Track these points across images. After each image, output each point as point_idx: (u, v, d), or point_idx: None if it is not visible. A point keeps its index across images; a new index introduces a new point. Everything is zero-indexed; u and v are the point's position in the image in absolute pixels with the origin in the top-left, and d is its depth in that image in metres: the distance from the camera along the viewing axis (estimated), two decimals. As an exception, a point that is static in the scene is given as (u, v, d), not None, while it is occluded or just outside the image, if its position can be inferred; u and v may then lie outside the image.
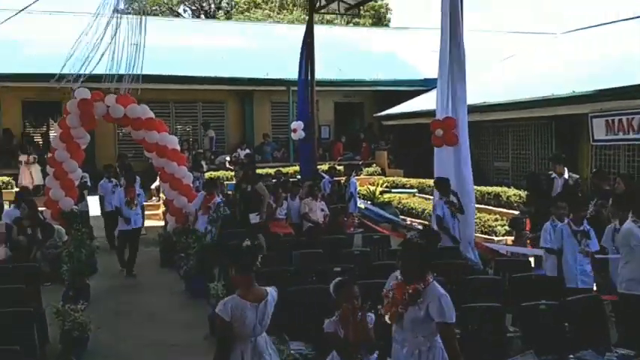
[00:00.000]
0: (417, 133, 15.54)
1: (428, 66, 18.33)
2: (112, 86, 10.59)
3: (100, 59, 10.74)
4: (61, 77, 10.72)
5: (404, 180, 16.95)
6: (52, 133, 16.85)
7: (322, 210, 10.98)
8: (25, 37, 17.41)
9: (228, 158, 18.02)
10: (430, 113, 10.54)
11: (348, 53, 20.82)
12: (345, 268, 6.99)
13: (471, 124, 9.28)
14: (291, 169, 16.51)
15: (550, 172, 10.26)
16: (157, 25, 17.74)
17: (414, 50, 21.22)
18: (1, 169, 15.40)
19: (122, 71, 10.51)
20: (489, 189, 13.46)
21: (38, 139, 18.28)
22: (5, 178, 14.68)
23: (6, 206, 11.60)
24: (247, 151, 18.25)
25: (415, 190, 15.96)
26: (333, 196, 12.29)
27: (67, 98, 11.54)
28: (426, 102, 17.24)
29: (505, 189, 13.30)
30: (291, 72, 15.78)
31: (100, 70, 11.01)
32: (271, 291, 4.25)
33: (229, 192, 12.86)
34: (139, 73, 10.80)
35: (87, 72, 10.35)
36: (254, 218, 10.02)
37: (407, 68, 20.28)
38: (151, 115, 10.99)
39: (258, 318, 4.03)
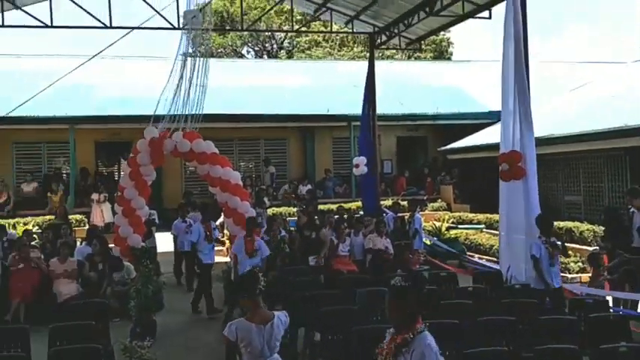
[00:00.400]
0: (483, 166, 15.19)
1: (492, 98, 18.03)
2: (180, 126, 10.87)
3: (174, 100, 11.08)
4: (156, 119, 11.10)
5: (470, 215, 16.50)
6: (122, 173, 17.47)
7: (387, 247, 10.78)
8: (97, 81, 18.32)
9: (286, 187, 18.19)
10: (496, 146, 10.27)
11: (410, 87, 20.79)
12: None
13: (539, 156, 8.98)
14: (353, 205, 16.41)
15: (629, 207, 9.71)
16: (221, 66, 18.35)
17: (478, 83, 20.97)
18: (75, 207, 16.03)
19: (190, 111, 10.79)
20: (561, 224, 12.89)
21: (109, 178, 18.98)
22: (78, 216, 15.27)
23: (78, 243, 11.99)
24: (309, 186, 18.32)
25: (483, 226, 15.49)
26: (397, 232, 12.06)
27: (137, 138, 11.98)
28: (491, 135, 16.86)
29: (578, 224, 12.72)
30: (352, 107, 15.87)
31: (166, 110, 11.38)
32: (279, 315, 4.57)
33: (292, 229, 12.87)
34: (205, 112, 11.11)
35: (172, 113, 10.68)
36: (312, 261, 10.23)
37: (470, 101, 20.02)
38: (216, 150, 11.17)
39: (266, 339, 4.35)
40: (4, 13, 12.20)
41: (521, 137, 8.80)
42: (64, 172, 18.21)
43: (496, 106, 15.76)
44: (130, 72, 19.83)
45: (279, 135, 19.66)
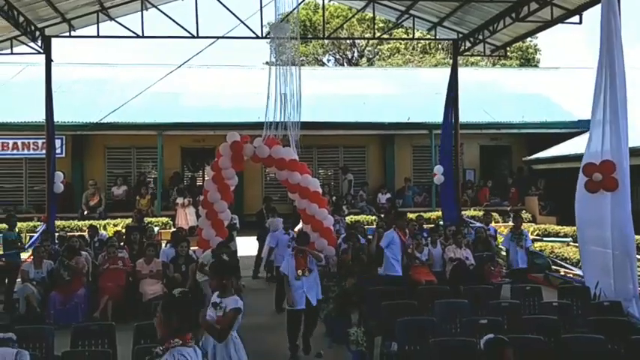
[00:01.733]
0: (571, 177, 14.48)
1: (580, 107, 17.26)
2: (270, 134, 11.08)
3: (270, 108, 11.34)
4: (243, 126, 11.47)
5: (557, 228, 15.78)
6: (207, 178, 17.99)
7: (467, 258, 10.50)
8: (184, 88, 19.04)
9: (362, 193, 18.17)
10: (585, 156, 9.77)
11: (494, 95, 20.25)
12: (493, 321, 6.53)
13: (632, 167, 8.47)
14: (433, 215, 16.11)
15: None
16: (302, 74, 18.55)
17: (566, 91, 20.12)
18: (162, 210, 16.68)
19: (272, 119, 11.02)
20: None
21: (193, 183, 19.59)
22: (164, 219, 15.86)
23: (163, 245, 12.43)
24: (388, 195, 18.17)
25: (570, 239, 14.76)
26: (478, 244, 11.72)
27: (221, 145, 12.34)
28: (579, 145, 16.08)
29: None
30: (433, 115, 15.61)
31: (251, 117, 11.69)
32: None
33: (369, 236, 12.79)
34: (284, 120, 11.31)
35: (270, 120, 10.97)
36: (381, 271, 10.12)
37: (558, 109, 19.24)
38: (295, 157, 11.31)
39: None
40: (100, 24, 12.90)
41: (612, 147, 8.36)
42: (152, 176, 18.96)
43: (584, 114, 15.05)
44: (215, 80, 20.49)
45: (359, 143, 19.62)
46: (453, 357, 5.69)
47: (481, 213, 16.63)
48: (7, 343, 5.19)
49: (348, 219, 14.84)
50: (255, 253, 13.61)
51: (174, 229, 13.75)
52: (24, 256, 11.59)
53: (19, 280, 10.11)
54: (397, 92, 20.34)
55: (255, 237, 13.79)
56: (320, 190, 11.66)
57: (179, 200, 16.22)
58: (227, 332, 5.15)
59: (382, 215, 15.76)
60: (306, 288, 7.79)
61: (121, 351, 6.29)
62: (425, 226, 13.02)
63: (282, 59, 11.71)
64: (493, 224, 14.71)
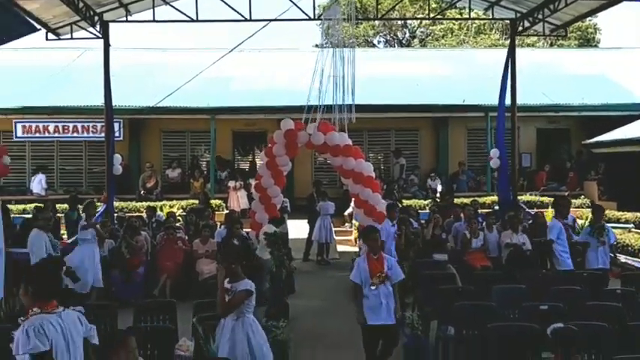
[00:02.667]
0: (633, 161, 13.98)
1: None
2: (318, 117, 11.07)
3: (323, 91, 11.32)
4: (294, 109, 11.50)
5: (618, 214, 15.23)
6: (257, 161, 18.16)
7: (523, 243, 10.26)
8: (236, 72, 19.17)
9: (414, 177, 18.00)
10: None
11: (552, 76, 19.59)
12: (554, 307, 6.38)
13: None
14: (488, 199, 15.81)
15: None
16: (350, 56, 18.38)
17: (627, 72, 19.30)
18: (214, 193, 16.95)
19: (325, 102, 10.98)
20: None
21: (245, 166, 19.80)
22: (217, 202, 16.12)
23: (218, 227, 12.64)
24: (438, 181, 17.83)
25: (631, 225, 14.27)
26: (536, 229, 11.43)
27: (271, 128, 12.41)
28: (644, 128, 15.52)
29: None
30: (489, 97, 15.22)
31: (303, 101, 11.66)
32: None
33: (422, 221, 12.67)
34: (344, 103, 11.27)
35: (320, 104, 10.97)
36: (438, 256, 10.10)
37: (619, 91, 18.47)
38: (349, 142, 11.25)
39: None
40: (155, 8, 13.09)
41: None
42: (205, 160, 19.26)
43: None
44: (266, 63, 20.54)
45: (411, 125, 19.36)
46: (512, 343, 5.59)
47: (541, 198, 16.32)
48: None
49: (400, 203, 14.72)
50: (305, 236, 13.72)
51: (227, 211, 13.97)
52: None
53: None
54: (451, 74, 19.92)
55: (307, 220, 13.88)
56: (374, 175, 11.59)
57: (231, 184, 16.44)
58: (229, 309, 5.11)
59: (438, 200, 15.58)
60: (384, 299, 6.28)
61: (181, 327, 6.45)
62: (480, 211, 12.80)
63: (333, 42, 11.64)
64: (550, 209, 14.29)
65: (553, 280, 8.71)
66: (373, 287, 6.22)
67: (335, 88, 10.97)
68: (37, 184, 17.03)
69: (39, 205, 13.19)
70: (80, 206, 11.52)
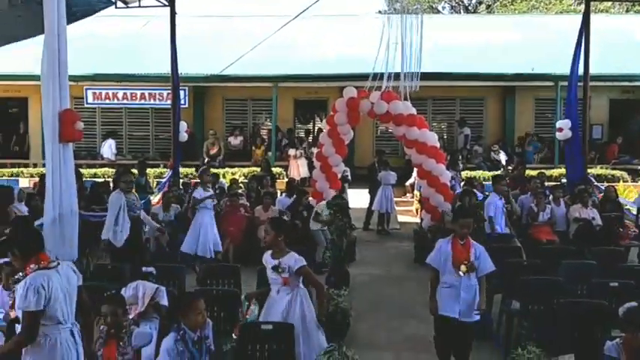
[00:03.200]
0: None
1: None
2: (383, 85, 10.93)
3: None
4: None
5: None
6: (318, 130, 18.13)
7: (593, 218, 9.91)
8: (297, 40, 19.04)
9: (478, 148, 17.60)
10: None
11: (628, 44, 18.56)
12: (624, 284, 6.16)
13: None
14: (555, 172, 15.30)
15: None
16: (417, 23, 17.95)
17: None
18: (275, 161, 17.12)
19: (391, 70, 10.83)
20: None
21: (302, 134, 19.81)
22: (278, 169, 16.29)
23: (279, 194, 12.78)
24: (502, 153, 17.34)
25: None
26: (607, 203, 11.01)
27: (333, 96, 12.35)
28: None
29: None
30: (560, 66, 14.58)
31: (365, 69, 11.53)
32: None
33: (487, 193, 12.41)
34: (398, 71, 11.07)
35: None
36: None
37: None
38: (413, 111, 11.09)
39: None
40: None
41: None
42: (266, 127, 19.42)
43: None
44: (329, 31, 20.32)
45: (477, 94, 18.82)
46: (580, 320, 5.44)
47: (612, 171, 15.72)
48: (148, 277, 5.60)
49: (463, 174, 14.46)
50: (366, 205, 13.69)
51: (288, 179, 14.08)
52: (153, 199, 12.41)
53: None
54: (520, 41, 19.15)
55: (367, 190, 13.83)
56: (438, 145, 11.41)
57: (291, 152, 16.51)
58: (322, 286, 5.16)
59: (510, 170, 15.11)
60: (464, 291, 5.44)
61: (245, 291, 6.60)
62: (547, 183, 12.41)
63: (397, 8, 11.41)
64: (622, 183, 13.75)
65: (623, 256, 8.44)
66: (456, 277, 5.43)
67: (401, 56, 10.78)
68: (108, 149, 17.67)
69: (111, 169, 13.66)
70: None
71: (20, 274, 3.95)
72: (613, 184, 13.22)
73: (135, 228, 8.01)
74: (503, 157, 17.17)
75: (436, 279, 5.59)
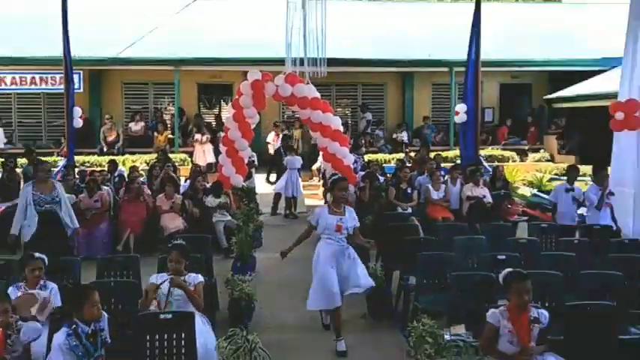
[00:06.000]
0: (592, 116, 14.28)
1: (605, 44, 16.77)
2: (291, 70, 10.97)
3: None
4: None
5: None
6: (223, 115, 17.92)
7: (484, 196, 10.52)
8: (201, 23, 18.62)
9: (379, 132, 18.16)
10: (610, 95, 9.59)
11: (516, 31, 19.69)
12: (511, 257, 6.60)
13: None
14: (451, 154, 16.04)
15: None
16: (321, 8, 18.05)
17: (591, 27, 19.51)
18: (179, 147, 16.76)
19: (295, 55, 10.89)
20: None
21: (211, 119, 19.51)
22: (182, 156, 15.96)
23: (182, 181, 12.56)
24: (405, 134, 18.02)
25: (589, 178, 14.68)
26: (496, 182, 11.73)
27: (238, 81, 12.22)
28: (604, 83, 15.77)
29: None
30: (454, 52, 15.24)
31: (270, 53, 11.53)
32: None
33: (388, 174, 12.84)
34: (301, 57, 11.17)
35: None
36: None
37: (582, 47, 18.68)
38: (317, 95, 11.22)
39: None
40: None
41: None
42: (168, 112, 18.93)
43: (609, 52, 14.63)
44: (232, 14, 19.99)
45: (378, 80, 19.34)
46: (471, 291, 5.78)
47: (502, 152, 16.60)
48: (39, 263, 5.32)
49: (365, 157, 14.83)
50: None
51: (192, 166, 13.84)
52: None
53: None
54: (417, 28, 19.82)
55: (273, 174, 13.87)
56: (342, 129, 11.62)
57: (197, 137, 16.22)
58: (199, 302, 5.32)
59: (410, 153, 15.59)
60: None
61: (145, 282, 6.45)
62: (442, 164, 13.02)
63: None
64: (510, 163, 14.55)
65: (511, 231, 9.04)
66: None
67: (304, 41, 10.86)
68: (-5, 137, 16.59)
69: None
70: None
71: None
72: (503, 163, 14.05)
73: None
74: (405, 137, 17.85)
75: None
